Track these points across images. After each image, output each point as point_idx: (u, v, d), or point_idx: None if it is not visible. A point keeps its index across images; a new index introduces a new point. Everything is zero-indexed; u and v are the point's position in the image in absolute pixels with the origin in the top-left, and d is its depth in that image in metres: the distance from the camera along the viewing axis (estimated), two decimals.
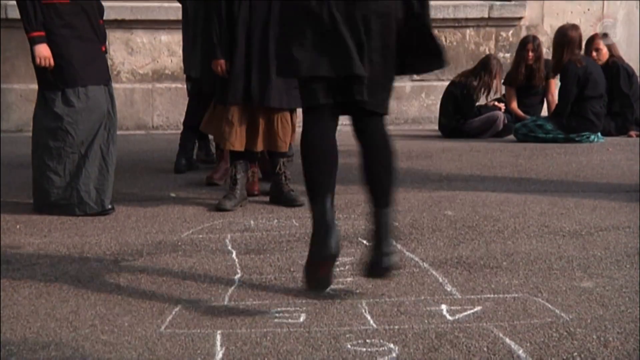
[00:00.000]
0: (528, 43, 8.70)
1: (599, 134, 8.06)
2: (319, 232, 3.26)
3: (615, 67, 8.44)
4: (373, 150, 3.42)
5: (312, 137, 3.36)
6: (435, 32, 3.48)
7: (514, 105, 8.82)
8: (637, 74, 8.86)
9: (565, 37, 7.90)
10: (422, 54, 3.44)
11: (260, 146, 5.22)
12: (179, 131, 6.84)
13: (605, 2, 10.05)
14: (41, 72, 5.01)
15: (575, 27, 8.07)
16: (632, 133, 8.45)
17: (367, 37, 3.29)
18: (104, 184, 5.08)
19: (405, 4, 3.38)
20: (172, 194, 5.69)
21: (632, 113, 8.54)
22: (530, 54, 8.68)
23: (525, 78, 8.74)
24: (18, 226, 4.81)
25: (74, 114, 5.00)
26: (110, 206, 5.11)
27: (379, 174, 3.42)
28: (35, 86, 5.23)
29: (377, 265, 3.32)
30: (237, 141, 5.18)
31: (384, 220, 3.36)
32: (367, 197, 3.41)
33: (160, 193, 5.74)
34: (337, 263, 3.94)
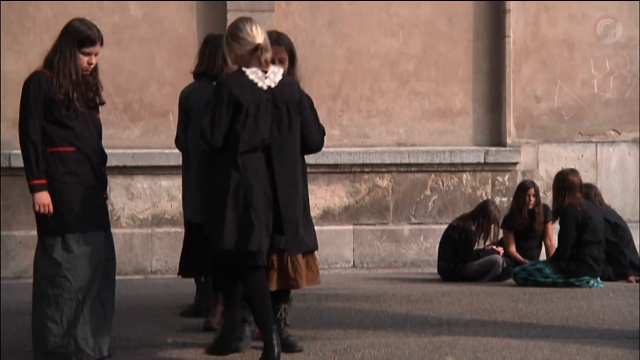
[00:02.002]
0: (529, 188, 8.82)
1: (599, 278, 8.04)
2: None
3: None
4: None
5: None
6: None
7: (513, 249, 8.85)
8: (638, 219, 8.93)
9: (565, 181, 8.02)
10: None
11: (273, 286, 5.17)
12: (177, 276, 6.82)
13: (598, 148, 10.24)
14: (41, 217, 5.04)
15: (574, 171, 8.20)
16: (632, 278, 8.44)
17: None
18: (101, 331, 5.02)
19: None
20: (170, 340, 5.63)
21: (624, 258, 8.55)
22: (532, 199, 8.79)
23: (526, 223, 8.82)
24: None
25: (72, 260, 5.00)
26: (107, 353, 5.04)
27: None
28: (35, 233, 5.25)
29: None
30: None
31: None
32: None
33: (158, 339, 5.67)
34: None
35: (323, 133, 5.32)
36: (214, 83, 6.11)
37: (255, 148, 4.83)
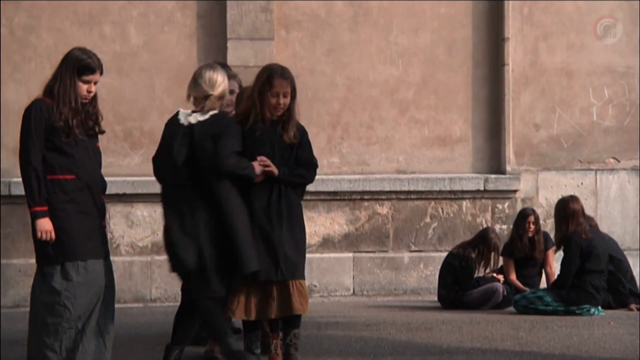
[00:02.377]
0: (529, 215, 8.81)
1: (599, 307, 8.01)
2: None
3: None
4: None
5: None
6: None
7: (513, 276, 8.83)
8: (638, 247, 8.91)
9: (567, 209, 7.97)
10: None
11: (275, 313, 5.23)
12: (177, 304, 6.80)
13: (598, 176, 10.26)
14: (41, 246, 5.03)
15: (574, 198, 8.15)
16: (633, 306, 8.41)
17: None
18: None
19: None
20: None
21: (623, 287, 8.52)
22: (532, 226, 8.78)
23: (527, 250, 8.80)
24: None
25: (72, 289, 4.98)
26: None
27: None
28: (34, 261, 5.24)
29: None
30: (245, 311, 5.22)
31: None
32: None
33: None
34: None
35: (315, 166, 5.44)
36: None
37: (176, 179, 5.18)
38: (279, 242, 5.19)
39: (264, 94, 5.28)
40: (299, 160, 5.38)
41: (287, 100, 5.32)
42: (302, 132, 5.44)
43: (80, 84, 5.05)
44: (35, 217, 4.97)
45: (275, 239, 5.19)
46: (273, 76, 5.30)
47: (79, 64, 5.05)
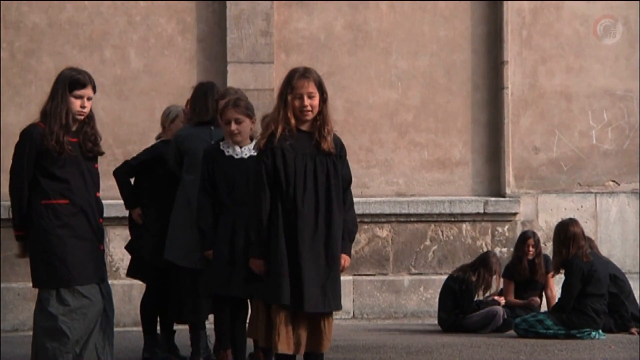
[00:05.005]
0: (529, 238, 8.80)
1: (600, 330, 7.98)
2: None
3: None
4: None
5: None
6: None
7: (511, 297, 8.81)
8: (638, 270, 8.88)
9: (567, 232, 7.94)
10: None
11: (305, 348, 4.95)
12: (176, 327, 6.78)
13: (597, 199, 10.25)
14: (36, 271, 5.02)
15: (574, 221, 8.12)
16: (634, 330, 8.38)
17: None
18: None
19: None
20: None
21: (626, 310, 8.49)
22: (531, 249, 8.76)
23: (527, 273, 8.78)
24: None
25: (68, 314, 4.96)
26: None
27: None
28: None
29: None
30: (285, 344, 4.86)
31: None
32: None
33: None
34: None
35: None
36: (212, 128, 6.23)
37: None
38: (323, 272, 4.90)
39: (287, 100, 4.78)
40: (342, 177, 4.96)
41: (315, 102, 4.82)
42: (341, 144, 5.02)
43: (73, 99, 5.04)
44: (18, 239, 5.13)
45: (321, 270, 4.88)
46: (293, 76, 4.80)
47: (69, 80, 5.05)
